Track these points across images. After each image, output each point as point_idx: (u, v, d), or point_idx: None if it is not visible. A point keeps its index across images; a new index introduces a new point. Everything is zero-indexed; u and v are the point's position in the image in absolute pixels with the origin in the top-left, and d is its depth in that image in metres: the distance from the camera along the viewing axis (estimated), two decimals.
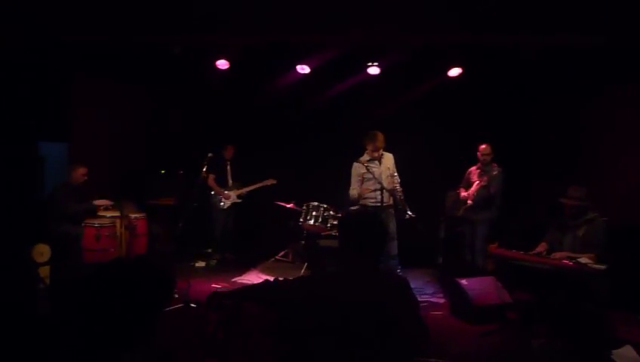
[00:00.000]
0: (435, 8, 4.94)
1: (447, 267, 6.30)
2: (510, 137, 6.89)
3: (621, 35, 4.11)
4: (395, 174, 5.66)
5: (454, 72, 6.18)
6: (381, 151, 5.58)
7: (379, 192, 5.33)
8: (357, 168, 5.57)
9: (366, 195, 5.53)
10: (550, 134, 6.80)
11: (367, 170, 5.42)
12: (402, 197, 5.49)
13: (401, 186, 5.60)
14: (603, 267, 4.03)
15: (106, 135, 6.76)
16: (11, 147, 5.75)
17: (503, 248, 4.87)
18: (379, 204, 5.34)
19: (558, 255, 4.36)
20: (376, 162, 5.56)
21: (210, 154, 5.18)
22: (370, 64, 6.33)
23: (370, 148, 5.53)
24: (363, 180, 5.54)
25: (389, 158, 5.68)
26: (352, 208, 5.61)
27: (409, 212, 5.49)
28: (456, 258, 6.17)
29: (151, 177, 7.26)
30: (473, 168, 5.92)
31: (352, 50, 6.09)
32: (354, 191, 5.58)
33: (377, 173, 5.45)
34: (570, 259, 4.19)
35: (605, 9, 4.00)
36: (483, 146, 5.76)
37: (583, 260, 4.08)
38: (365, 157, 5.59)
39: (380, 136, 5.49)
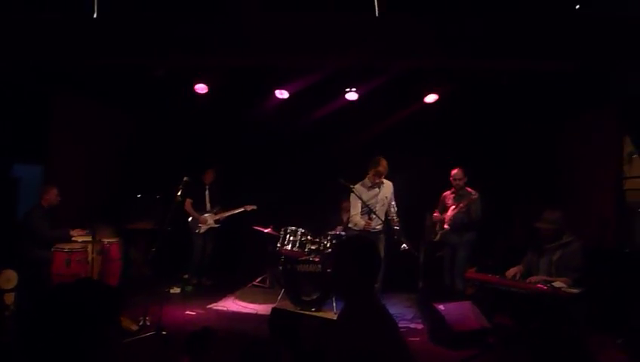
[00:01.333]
0: (411, 34, 5.02)
1: (427, 291, 6.25)
2: (489, 161, 6.97)
3: (592, 60, 4.20)
4: (393, 203, 5.64)
5: (430, 98, 6.27)
6: (382, 178, 5.48)
7: (367, 216, 5.35)
8: (359, 191, 5.46)
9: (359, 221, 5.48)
10: (528, 157, 6.89)
11: (369, 195, 5.43)
12: (398, 228, 5.50)
13: (398, 216, 5.60)
14: (577, 291, 4.01)
15: (82, 157, 6.66)
16: None
17: (480, 272, 4.86)
18: (370, 230, 5.33)
19: (533, 279, 4.35)
20: (377, 188, 5.50)
21: (185, 178, 5.10)
22: (348, 90, 6.40)
23: (372, 173, 5.43)
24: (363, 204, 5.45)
25: (388, 186, 5.61)
26: (348, 233, 5.59)
27: (405, 245, 5.30)
28: (436, 282, 6.12)
29: (128, 201, 7.14)
30: (448, 192, 5.94)
31: (330, 75, 6.14)
32: (357, 217, 5.47)
33: (372, 201, 5.42)
34: (544, 283, 4.17)
35: (576, 35, 4.09)
36: (455, 171, 5.79)
37: (557, 284, 4.07)
38: (367, 182, 5.51)
39: (383, 162, 5.39)
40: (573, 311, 4.15)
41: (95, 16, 4.02)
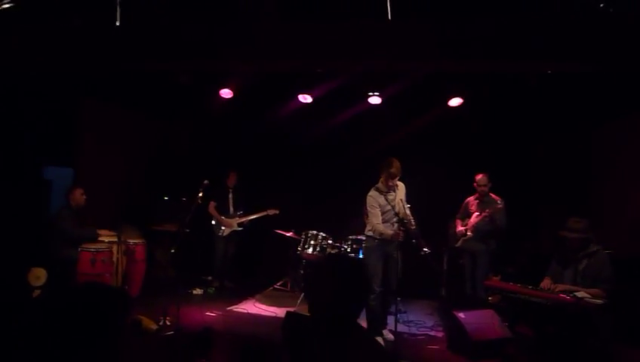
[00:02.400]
0: (434, 36, 4.95)
1: (449, 299, 6.14)
2: (515, 166, 6.80)
3: (614, 61, 4.03)
4: (408, 205, 5.23)
5: (455, 101, 6.16)
6: (396, 181, 5.10)
7: (397, 224, 4.89)
8: (375, 197, 5.08)
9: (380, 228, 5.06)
10: (557, 163, 6.67)
11: (387, 200, 4.99)
12: (416, 231, 5.04)
13: (412, 216, 5.17)
14: (600, 302, 3.85)
15: (110, 160, 6.87)
16: (17, 170, 5.89)
17: (502, 281, 4.73)
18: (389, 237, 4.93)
19: (559, 287, 4.17)
20: (392, 192, 5.10)
21: (205, 181, 5.19)
22: (371, 94, 6.37)
23: (384, 176, 5.01)
24: (381, 211, 5.08)
25: (402, 188, 5.23)
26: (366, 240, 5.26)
27: (425, 249, 5.07)
28: (458, 290, 6.00)
29: (154, 203, 7.31)
30: (471, 198, 5.81)
31: (353, 80, 6.13)
32: (381, 226, 5.00)
33: (392, 205, 5.00)
34: (567, 292, 4.02)
35: (598, 34, 3.94)
36: (479, 176, 5.65)
37: (580, 294, 3.91)
38: (381, 187, 5.11)
39: (396, 163, 4.97)
40: (598, 322, 3.98)
41: (117, 24, 4.12)
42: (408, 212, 5.13)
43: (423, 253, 4.92)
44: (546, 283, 4.43)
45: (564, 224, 4.46)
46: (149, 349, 4.39)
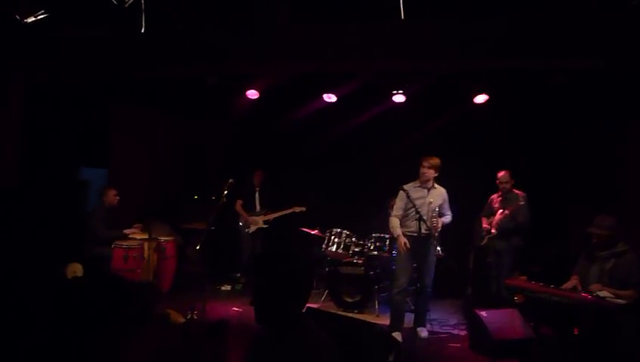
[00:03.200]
0: (458, 34, 4.94)
1: (475, 299, 6.08)
2: (545, 163, 6.68)
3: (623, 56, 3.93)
4: (448, 212, 5.17)
5: (480, 98, 6.11)
6: (432, 182, 5.06)
7: (416, 222, 4.81)
8: (400, 194, 5.07)
9: (405, 223, 5.12)
10: (589, 160, 6.50)
11: (408, 197, 4.92)
12: (436, 233, 5.02)
13: (443, 225, 5.09)
14: (623, 302, 3.76)
15: (142, 161, 7.17)
16: (57, 171, 6.21)
17: (526, 280, 4.67)
18: (415, 234, 4.89)
19: (594, 288, 4.08)
20: (425, 191, 5.06)
21: (230, 180, 5.33)
22: (395, 92, 6.39)
23: (421, 170, 5.02)
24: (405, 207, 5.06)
25: (440, 193, 5.13)
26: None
27: (439, 248, 5.19)
28: (484, 289, 5.94)
29: (185, 202, 7.55)
30: (494, 196, 5.75)
31: (377, 79, 6.17)
32: (395, 220, 5.09)
33: (419, 203, 4.91)
34: (591, 292, 3.94)
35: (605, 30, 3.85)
36: (501, 174, 5.58)
37: (603, 294, 3.83)
38: (417, 181, 5.09)
39: (430, 160, 4.99)
40: (622, 323, 3.89)
41: (142, 31, 4.32)
42: (445, 219, 5.10)
43: (436, 253, 5.04)
44: (570, 283, 4.36)
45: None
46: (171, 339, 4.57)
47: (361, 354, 3.78)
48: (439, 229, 5.03)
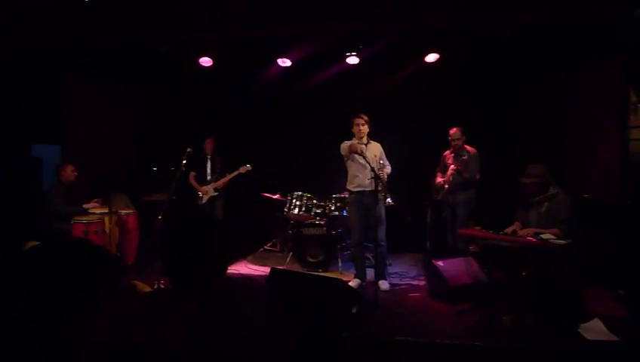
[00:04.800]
0: None
1: (434, 251, 6.36)
2: (493, 118, 6.94)
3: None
4: (386, 163, 5.41)
5: (431, 57, 6.23)
6: (366, 138, 5.33)
7: (368, 176, 4.95)
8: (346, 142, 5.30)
9: (355, 181, 5.33)
10: (533, 113, 6.81)
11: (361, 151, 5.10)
12: (385, 185, 5.22)
13: (387, 175, 5.36)
14: (564, 242, 4.06)
15: (97, 134, 6.99)
16: (7, 149, 6.03)
17: (476, 230, 4.94)
18: (368, 189, 5.11)
19: (522, 231, 4.41)
20: (364, 146, 5.26)
21: (189, 150, 5.31)
22: (348, 54, 6.43)
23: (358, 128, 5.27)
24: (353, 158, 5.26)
25: (376, 146, 5.42)
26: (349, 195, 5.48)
27: (389, 199, 5.66)
28: (442, 242, 6.22)
29: (144, 174, 7.46)
30: (447, 152, 5.96)
31: (331, 41, 6.18)
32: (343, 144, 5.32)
33: (369, 157, 5.07)
34: (534, 235, 4.23)
35: None
36: (453, 131, 5.78)
37: (546, 236, 4.12)
38: (350, 141, 5.31)
39: (362, 117, 5.25)
40: (565, 262, 4.20)
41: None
42: (381, 171, 5.21)
43: (386, 203, 5.35)
44: (512, 227, 4.65)
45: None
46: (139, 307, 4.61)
47: (325, 308, 3.96)
48: (386, 180, 5.26)
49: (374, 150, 5.37)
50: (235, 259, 6.66)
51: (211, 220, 1.82)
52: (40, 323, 1.69)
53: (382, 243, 5.28)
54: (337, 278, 4.88)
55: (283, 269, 4.69)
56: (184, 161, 5.31)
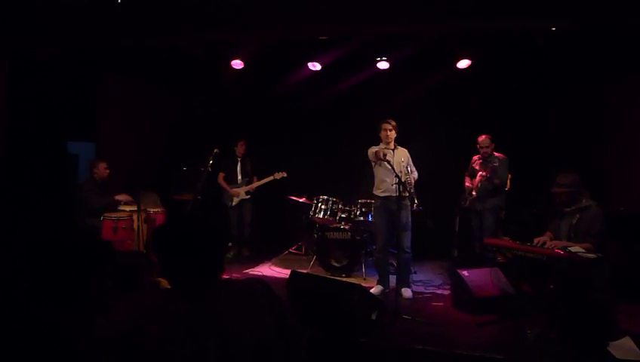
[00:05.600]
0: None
1: (460, 260, 6.23)
2: (527, 126, 6.77)
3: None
4: (412, 169, 5.34)
5: (463, 63, 6.13)
6: (393, 144, 5.28)
7: (394, 182, 4.89)
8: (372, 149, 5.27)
9: (382, 186, 5.29)
10: (570, 122, 6.60)
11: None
12: (411, 190, 5.16)
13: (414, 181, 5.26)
14: (593, 256, 3.89)
15: (130, 134, 7.17)
16: (44, 146, 6.24)
17: (504, 240, 4.80)
18: (395, 195, 4.94)
19: (551, 243, 4.25)
20: (391, 151, 5.22)
21: (215, 150, 5.38)
22: (379, 59, 6.40)
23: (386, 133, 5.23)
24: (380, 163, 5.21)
25: (403, 152, 5.35)
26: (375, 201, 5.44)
27: (416, 203, 5.46)
28: (469, 250, 6.10)
29: (174, 174, 7.60)
30: (476, 157, 5.85)
31: (361, 46, 6.16)
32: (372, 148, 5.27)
33: (395, 163, 5.06)
34: (562, 248, 4.08)
35: None
36: (482, 138, 5.67)
37: (574, 249, 3.97)
38: (377, 147, 5.28)
39: (390, 122, 5.20)
40: (594, 276, 4.03)
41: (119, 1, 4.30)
42: (408, 176, 5.17)
43: (415, 208, 5.15)
44: (543, 238, 4.49)
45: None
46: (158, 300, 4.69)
47: (342, 313, 3.93)
48: (413, 186, 5.16)
49: (401, 156, 5.30)
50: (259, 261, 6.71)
51: (203, 219, 1.76)
52: (43, 309, 1.73)
53: (407, 250, 5.19)
54: (357, 284, 4.82)
55: (303, 272, 4.67)
56: (210, 162, 5.38)
